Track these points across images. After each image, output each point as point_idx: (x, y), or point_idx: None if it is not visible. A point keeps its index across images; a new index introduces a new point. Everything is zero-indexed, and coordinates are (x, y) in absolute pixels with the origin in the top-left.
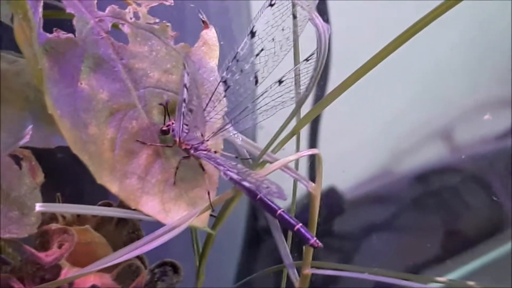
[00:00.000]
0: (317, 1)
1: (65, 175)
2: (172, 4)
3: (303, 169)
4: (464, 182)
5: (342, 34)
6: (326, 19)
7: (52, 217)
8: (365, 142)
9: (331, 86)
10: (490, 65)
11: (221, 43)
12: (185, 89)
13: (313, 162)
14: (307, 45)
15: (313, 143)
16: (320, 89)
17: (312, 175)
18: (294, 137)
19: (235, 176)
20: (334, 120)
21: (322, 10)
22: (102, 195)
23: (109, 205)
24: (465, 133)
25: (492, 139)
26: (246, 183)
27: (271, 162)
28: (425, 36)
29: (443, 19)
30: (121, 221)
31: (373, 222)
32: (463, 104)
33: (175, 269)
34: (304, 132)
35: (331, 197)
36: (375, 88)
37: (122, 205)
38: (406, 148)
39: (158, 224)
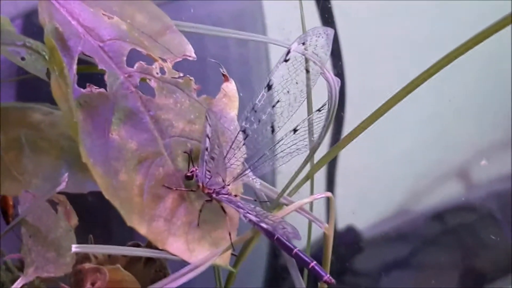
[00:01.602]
0: (328, 58)
1: (94, 218)
2: (195, 59)
3: (322, 210)
4: (480, 220)
5: (358, 76)
6: (336, 73)
7: (85, 257)
8: (383, 182)
9: (347, 127)
10: (505, 106)
11: (241, 94)
12: (207, 139)
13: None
14: (319, 95)
15: (330, 184)
16: (334, 134)
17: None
18: (309, 181)
19: (253, 218)
20: (351, 161)
21: (334, 63)
22: (128, 236)
23: (137, 245)
24: (480, 173)
25: (507, 178)
26: (264, 225)
27: (287, 205)
28: (440, 76)
29: (457, 62)
30: (149, 260)
31: (391, 260)
32: (478, 144)
33: None
34: (322, 173)
35: (350, 235)
36: (392, 128)
37: (149, 245)
38: (422, 187)
39: (183, 263)
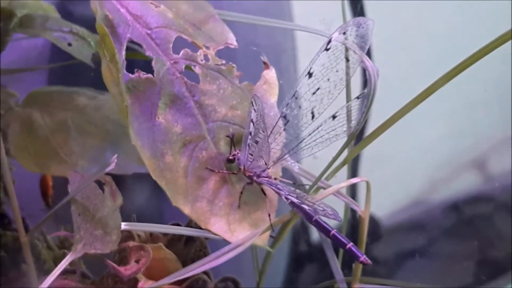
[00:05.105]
0: (367, 47)
1: (131, 199)
2: (237, 47)
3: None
4: (496, 210)
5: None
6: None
7: (129, 236)
8: (402, 172)
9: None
10: None
11: (280, 82)
12: (251, 124)
13: (352, 188)
14: (358, 84)
15: (354, 171)
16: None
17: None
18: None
19: (295, 200)
20: (372, 150)
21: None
22: (163, 219)
23: (178, 225)
24: (497, 164)
25: None
26: (304, 206)
27: (324, 188)
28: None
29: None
30: (189, 240)
31: (408, 249)
32: (496, 135)
33: (236, 284)
34: None
35: (368, 223)
36: (412, 121)
37: (189, 225)
38: (441, 177)
39: (222, 243)
